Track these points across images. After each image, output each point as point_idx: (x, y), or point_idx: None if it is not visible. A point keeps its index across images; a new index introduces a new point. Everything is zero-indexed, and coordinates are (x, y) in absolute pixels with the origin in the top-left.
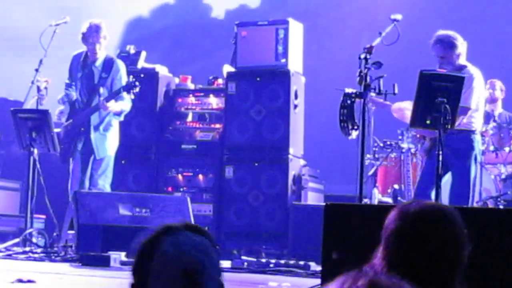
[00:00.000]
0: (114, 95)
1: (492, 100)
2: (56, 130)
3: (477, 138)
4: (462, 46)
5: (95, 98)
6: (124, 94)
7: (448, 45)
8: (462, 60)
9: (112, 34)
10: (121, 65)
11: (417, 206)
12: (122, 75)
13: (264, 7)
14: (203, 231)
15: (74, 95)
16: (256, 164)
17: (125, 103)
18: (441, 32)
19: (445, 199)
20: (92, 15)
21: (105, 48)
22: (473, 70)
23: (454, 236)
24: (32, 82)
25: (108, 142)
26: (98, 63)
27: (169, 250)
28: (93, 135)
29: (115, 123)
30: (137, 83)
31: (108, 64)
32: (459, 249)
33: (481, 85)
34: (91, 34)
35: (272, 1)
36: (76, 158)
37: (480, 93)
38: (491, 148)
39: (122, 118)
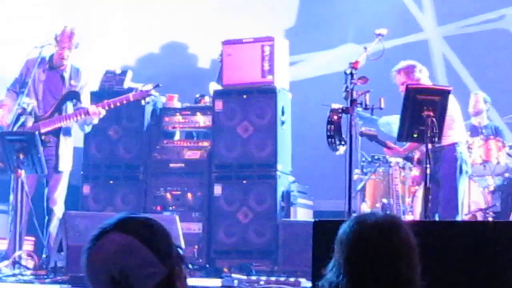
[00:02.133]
0: (117, 102)
1: (476, 113)
2: None
3: (461, 149)
4: (421, 72)
5: (64, 105)
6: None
7: (405, 72)
8: (427, 83)
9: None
10: (82, 76)
11: (373, 217)
12: (88, 86)
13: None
14: (132, 230)
15: (30, 102)
16: (245, 182)
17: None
18: (400, 62)
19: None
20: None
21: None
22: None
23: (407, 244)
24: (19, 104)
25: (69, 153)
26: (67, 69)
27: (94, 259)
28: (62, 146)
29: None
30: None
31: (76, 72)
32: (411, 258)
33: (454, 99)
34: (64, 39)
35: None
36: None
37: (454, 105)
38: (479, 160)
39: (89, 128)
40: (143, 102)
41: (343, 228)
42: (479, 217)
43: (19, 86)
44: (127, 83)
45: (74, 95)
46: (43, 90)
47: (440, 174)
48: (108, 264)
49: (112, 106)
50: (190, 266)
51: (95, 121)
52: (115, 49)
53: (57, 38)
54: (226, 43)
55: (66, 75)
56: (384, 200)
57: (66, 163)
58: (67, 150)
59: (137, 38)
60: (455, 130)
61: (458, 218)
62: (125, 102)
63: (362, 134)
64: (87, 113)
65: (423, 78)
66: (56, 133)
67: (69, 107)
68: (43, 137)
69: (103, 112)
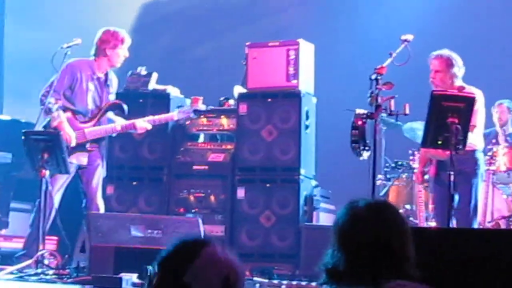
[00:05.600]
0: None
1: (502, 125)
2: None
3: (480, 156)
4: (459, 69)
5: (102, 115)
6: None
7: (446, 62)
8: (458, 82)
9: (129, 16)
10: (113, 80)
11: (364, 200)
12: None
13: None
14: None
15: (56, 103)
16: (268, 185)
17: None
18: (444, 50)
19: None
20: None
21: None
22: (474, 91)
23: (399, 222)
24: (43, 103)
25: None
26: (110, 77)
27: (206, 263)
28: (102, 152)
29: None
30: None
31: (111, 80)
32: (405, 234)
33: (482, 105)
34: (118, 44)
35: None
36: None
37: (481, 113)
38: (503, 168)
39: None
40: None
41: (338, 214)
42: (502, 225)
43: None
44: (152, 84)
45: (117, 107)
46: (92, 99)
47: (459, 181)
48: (223, 269)
49: (157, 123)
50: None
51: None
52: None
53: (102, 46)
54: (251, 46)
55: (108, 85)
56: (407, 206)
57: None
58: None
59: None
60: (474, 136)
61: (475, 225)
62: (169, 120)
63: None
64: (134, 127)
65: (459, 76)
66: (98, 140)
67: (110, 114)
68: (87, 145)
69: (149, 127)
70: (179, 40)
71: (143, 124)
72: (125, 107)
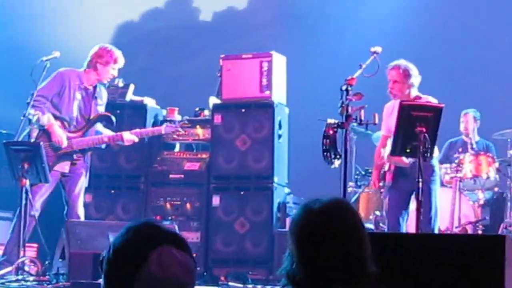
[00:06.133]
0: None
1: (467, 134)
2: None
3: (436, 163)
4: (416, 78)
5: (91, 126)
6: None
7: (404, 72)
8: (414, 92)
9: (104, 36)
10: (103, 93)
11: (319, 203)
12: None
13: (251, 7)
14: (185, 246)
15: (35, 114)
16: (242, 193)
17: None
18: (401, 60)
19: (412, 225)
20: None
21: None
22: (431, 100)
23: (354, 226)
24: (24, 115)
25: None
26: (98, 89)
27: (155, 270)
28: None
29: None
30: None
31: (100, 92)
32: (360, 239)
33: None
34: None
35: (258, 2)
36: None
37: None
38: (469, 175)
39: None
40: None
41: (293, 217)
42: (469, 230)
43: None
44: (129, 95)
45: (106, 119)
46: (78, 108)
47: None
48: (174, 276)
49: (144, 135)
50: None
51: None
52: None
53: (94, 59)
54: (226, 58)
55: (96, 97)
56: (377, 213)
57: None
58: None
59: None
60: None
61: (436, 230)
62: (156, 133)
63: None
64: (121, 139)
65: (416, 85)
66: (84, 151)
67: (98, 125)
68: (74, 156)
69: (136, 140)
70: (154, 58)
71: (130, 136)
72: (114, 118)
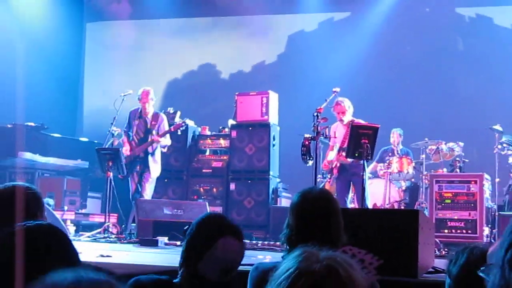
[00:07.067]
0: (166, 132)
1: (395, 142)
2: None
3: (365, 163)
4: (350, 108)
5: (148, 137)
6: (167, 135)
7: (345, 106)
8: (349, 117)
9: (158, 89)
10: (164, 117)
11: (312, 192)
12: (165, 123)
13: (254, 70)
14: (241, 236)
15: (116, 130)
16: (249, 181)
17: (167, 140)
18: (341, 98)
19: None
20: (145, 80)
21: (154, 104)
22: (361, 121)
23: (335, 210)
24: (109, 131)
25: (157, 166)
26: (149, 115)
27: (218, 254)
28: (150, 160)
29: (159, 154)
30: (183, 124)
31: (156, 116)
32: (338, 218)
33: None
34: (143, 97)
35: (258, 69)
36: (133, 177)
37: None
38: (396, 170)
39: (165, 149)
40: (179, 132)
41: (293, 199)
42: (395, 206)
43: (126, 127)
44: (177, 118)
45: (150, 132)
46: (136, 129)
47: (354, 180)
48: (230, 259)
49: (163, 135)
50: None
51: (163, 143)
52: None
53: (139, 97)
54: (239, 95)
55: (148, 119)
56: (335, 195)
57: (153, 172)
58: (153, 164)
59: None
60: None
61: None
62: (172, 130)
63: None
64: (153, 141)
65: (351, 112)
66: (145, 153)
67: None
68: (141, 154)
69: (159, 139)
70: (193, 99)
71: (156, 138)
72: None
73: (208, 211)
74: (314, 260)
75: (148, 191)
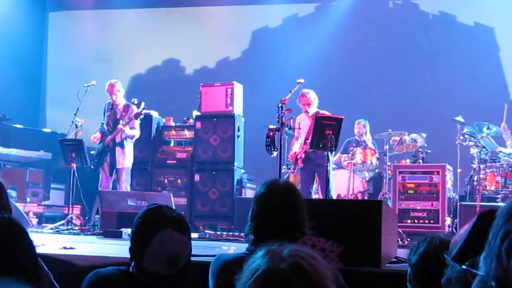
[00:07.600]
0: (128, 121)
1: (360, 136)
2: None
3: (329, 155)
4: (315, 100)
5: (117, 127)
6: (136, 125)
7: (311, 98)
8: (314, 108)
9: (123, 81)
10: (135, 108)
11: (277, 184)
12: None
13: (219, 66)
14: (182, 227)
15: (80, 121)
16: (214, 172)
17: (135, 131)
18: (306, 89)
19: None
20: (109, 70)
21: (123, 95)
22: (326, 112)
23: (300, 202)
24: (72, 122)
25: (126, 156)
26: (120, 106)
27: (157, 248)
28: (117, 150)
29: (129, 144)
30: (142, 112)
31: (126, 107)
32: (303, 211)
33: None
34: (110, 90)
35: (224, 64)
36: (103, 168)
37: None
38: (359, 161)
39: (133, 140)
40: (138, 120)
41: (258, 190)
42: (359, 196)
43: (103, 119)
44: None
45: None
46: (107, 120)
47: (319, 170)
48: (172, 251)
49: (126, 124)
50: None
51: (129, 133)
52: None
53: (107, 89)
54: (204, 85)
55: (118, 111)
56: (298, 186)
57: (122, 162)
58: (121, 154)
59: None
60: None
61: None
62: (133, 118)
63: None
64: (118, 130)
65: (316, 104)
66: (114, 143)
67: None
68: (110, 144)
69: (123, 128)
70: (157, 94)
71: (119, 127)
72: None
73: (155, 204)
74: (278, 259)
75: (123, 183)
